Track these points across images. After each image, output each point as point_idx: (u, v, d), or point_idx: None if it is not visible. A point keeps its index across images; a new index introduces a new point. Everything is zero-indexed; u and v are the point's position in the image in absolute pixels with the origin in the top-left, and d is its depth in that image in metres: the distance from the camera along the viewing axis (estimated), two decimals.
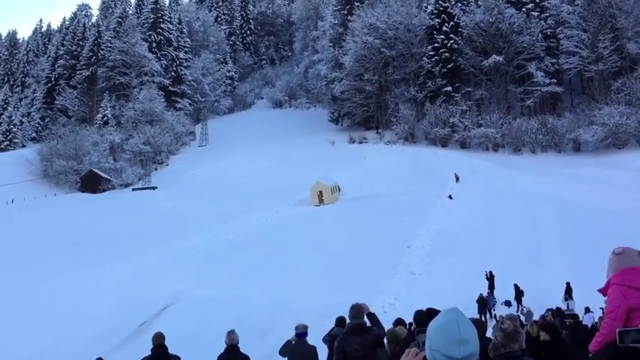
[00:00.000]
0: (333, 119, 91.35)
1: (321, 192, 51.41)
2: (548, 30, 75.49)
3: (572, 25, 72.51)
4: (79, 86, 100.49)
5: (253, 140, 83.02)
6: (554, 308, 19.25)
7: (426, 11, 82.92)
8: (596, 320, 14.17)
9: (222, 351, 8.05)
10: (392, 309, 21.82)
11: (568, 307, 21.90)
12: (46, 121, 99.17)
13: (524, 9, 76.01)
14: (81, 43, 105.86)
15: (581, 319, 15.38)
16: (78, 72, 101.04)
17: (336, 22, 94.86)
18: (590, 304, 18.80)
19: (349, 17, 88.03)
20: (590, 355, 4.29)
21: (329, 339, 8.66)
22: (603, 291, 4.29)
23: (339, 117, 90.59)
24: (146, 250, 38.22)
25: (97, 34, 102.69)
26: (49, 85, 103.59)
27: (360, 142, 79.81)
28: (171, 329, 12.16)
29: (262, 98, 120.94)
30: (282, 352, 8.74)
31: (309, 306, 24.10)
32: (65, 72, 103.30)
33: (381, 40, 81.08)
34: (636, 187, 43.73)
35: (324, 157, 69.00)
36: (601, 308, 15.58)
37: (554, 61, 74.62)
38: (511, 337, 4.39)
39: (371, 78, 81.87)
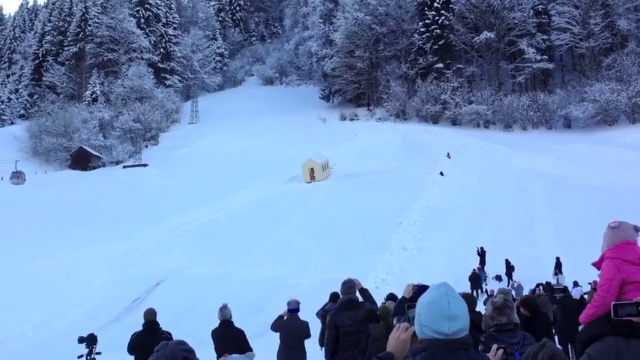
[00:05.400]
0: (324, 96, 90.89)
1: (312, 169, 51.24)
2: (540, 6, 75.10)
3: (564, 1, 72.17)
4: (66, 63, 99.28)
5: (244, 117, 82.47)
6: (544, 283, 19.48)
7: None
8: (584, 291, 14.29)
9: (216, 326, 8.05)
10: (384, 284, 21.96)
11: (558, 281, 22.14)
12: (35, 97, 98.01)
13: None
14: (68, 18, 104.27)
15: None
16: (65, 48, 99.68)
17: None
18: (580, 278, 19.00)
19: None
20: (581, 326, 4.30)
21: (322, 314, 8.69)
22: (597, 264, 4.29)
23: (329, 94, 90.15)
24: (138, 228, 38.06)
25: (83, 10, 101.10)
26: (37, 61, 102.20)
27: (352, 119, 79.53)
28: (163, 306, 12.18)
29: (252, 75, 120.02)
30: (273, 328, 8.71)
31: (301, 282, 24.24)
32: (52, 48, 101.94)
33: (371, 17, 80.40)
34: (626, 164, 44.03)
35: (315, 134, 68.70)
36: (589, 283, 15.76)
37: (545, 37, 74.37)
38: (499, 310, 4.42)
39: (362, 55, 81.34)
